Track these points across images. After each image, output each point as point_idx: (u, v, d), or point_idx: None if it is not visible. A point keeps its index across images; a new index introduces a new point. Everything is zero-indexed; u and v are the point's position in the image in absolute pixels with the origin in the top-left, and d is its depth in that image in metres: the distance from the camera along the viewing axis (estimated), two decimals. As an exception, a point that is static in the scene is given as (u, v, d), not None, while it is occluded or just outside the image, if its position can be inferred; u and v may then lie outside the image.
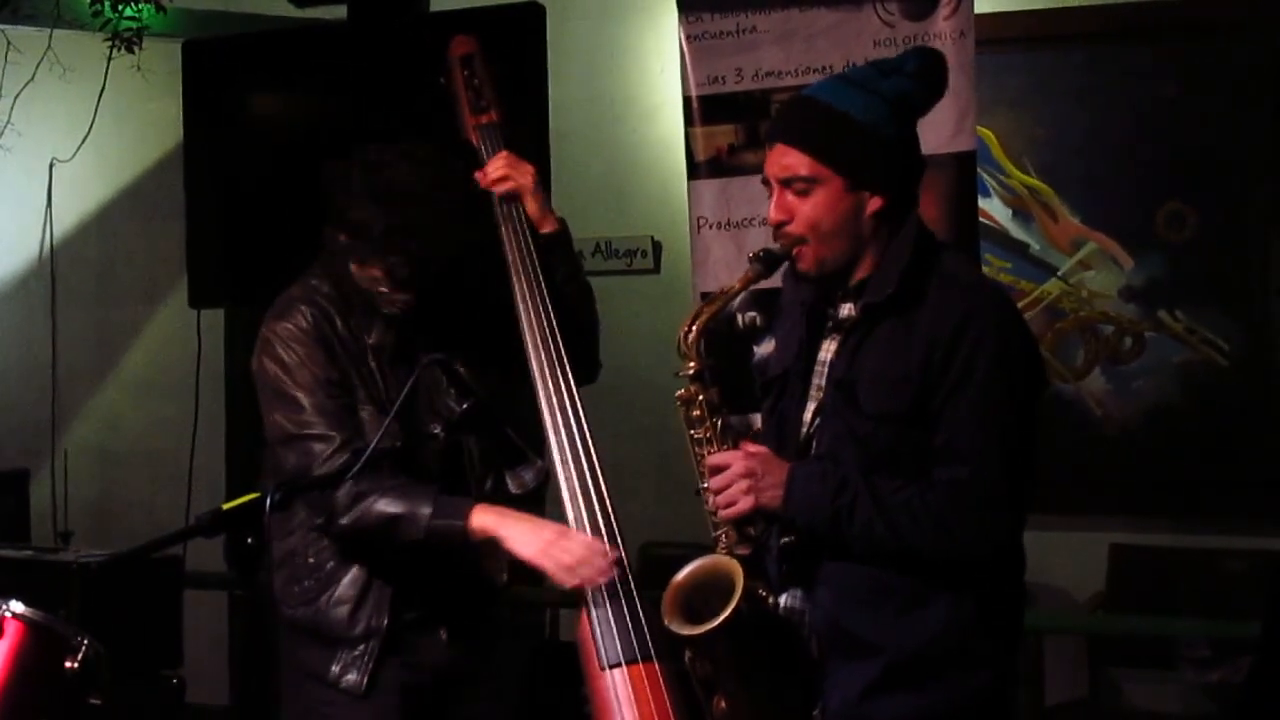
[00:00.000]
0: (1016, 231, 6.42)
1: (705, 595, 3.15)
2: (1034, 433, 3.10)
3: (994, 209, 6.38)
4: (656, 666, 3.53)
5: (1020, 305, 6.32)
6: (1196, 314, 6.23)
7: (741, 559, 3.17)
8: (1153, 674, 6.18)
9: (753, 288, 3.33)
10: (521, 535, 3.60)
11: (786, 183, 3.12)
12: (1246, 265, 6.21)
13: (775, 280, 3.37)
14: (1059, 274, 6.39)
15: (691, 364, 3.26)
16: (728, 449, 3.22)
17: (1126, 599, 6.20)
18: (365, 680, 3.72)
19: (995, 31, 5.88)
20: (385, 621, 3.74)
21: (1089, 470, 6.23)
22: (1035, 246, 6.41)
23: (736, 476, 3.15)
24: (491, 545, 3.64)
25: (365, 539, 3.67)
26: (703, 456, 3.24)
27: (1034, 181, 6.38)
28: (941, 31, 4.94)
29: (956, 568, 3.05)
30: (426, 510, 3.59)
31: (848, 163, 3.08)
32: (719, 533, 3.21)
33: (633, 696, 3.53)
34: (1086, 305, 6.37)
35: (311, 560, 3.77)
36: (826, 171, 3.08)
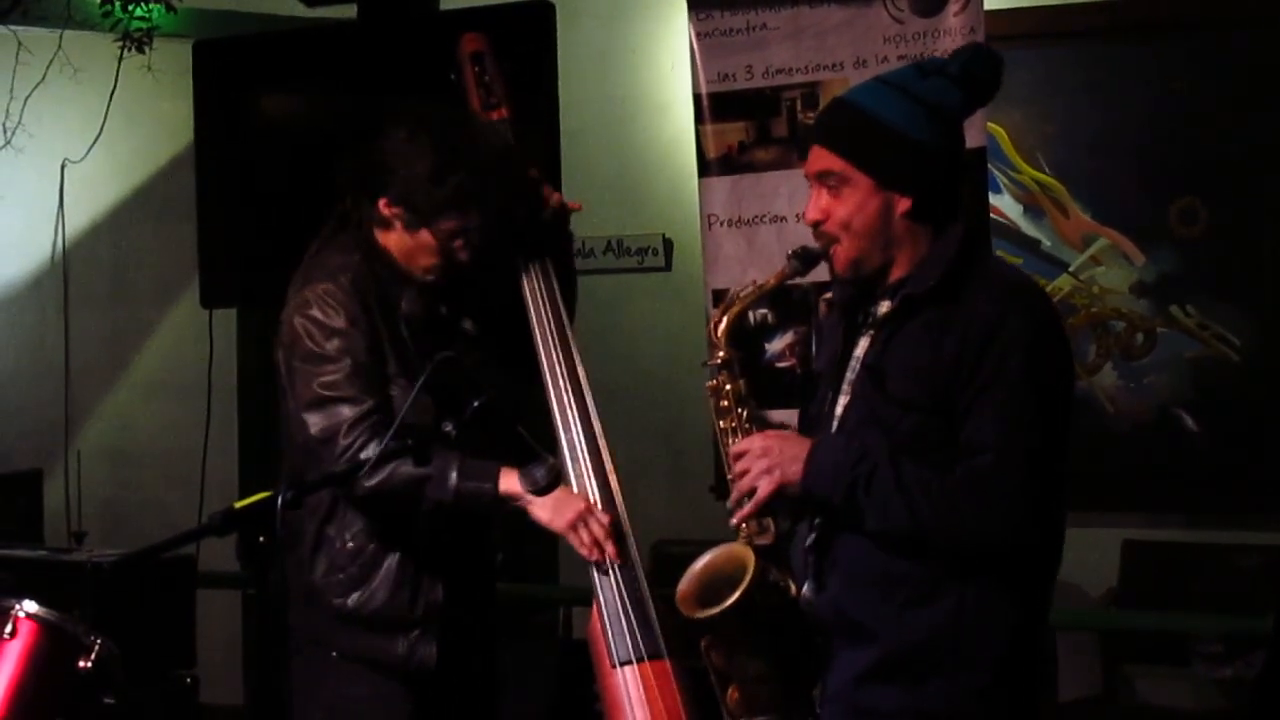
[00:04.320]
0: (1027, 228, 6.42)
1: (720, 583, 3.18)
2: (1063, 438, 3.10)
3: (1005, 205, 6.38)
4: (667, 664, 3.54)
5: (1031, 301, 6.32)
6: (1208, 309, 6.23)
7: (760, 549, 3.19)
8: (1166, 670, 6.18)
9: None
10: (548, 503, 3.61)
11: (821, 181, 3.17)
12: (1258, 260, 6.21)
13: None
14: (1070, 270, 6.39)
15: (721, 353, 3.30)
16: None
17: (1139, 595, 6.20)
18: (435, 651, 3.74)
19: (1005, 27, 5.87)
20: (441, 596, 3.76)
21: (1101, 466, 6.23)
22: (1046, 242, 6.41)
23: (755, 458, 3.17)
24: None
25: (387, 501, 3.66)
26: (729, 447, 3.27)
27: (1045, 177, 6.38)
28: (951, 28, 4.94)
29: (966, 560, 3.05)
30: (454, 472, 3.59)
31: (875, 162, 3.12)
32: (738, 522, 3.23)
33: (643, 694, 3.54)
34: (1098, 301, 6.37)
35: (351, 545, 3.76)
36: (855, 171, 3.13)
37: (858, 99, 3.19)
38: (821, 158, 3.16)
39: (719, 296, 5.12)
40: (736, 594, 3.12)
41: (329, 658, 3.81)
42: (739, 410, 3.29)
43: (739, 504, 3.21)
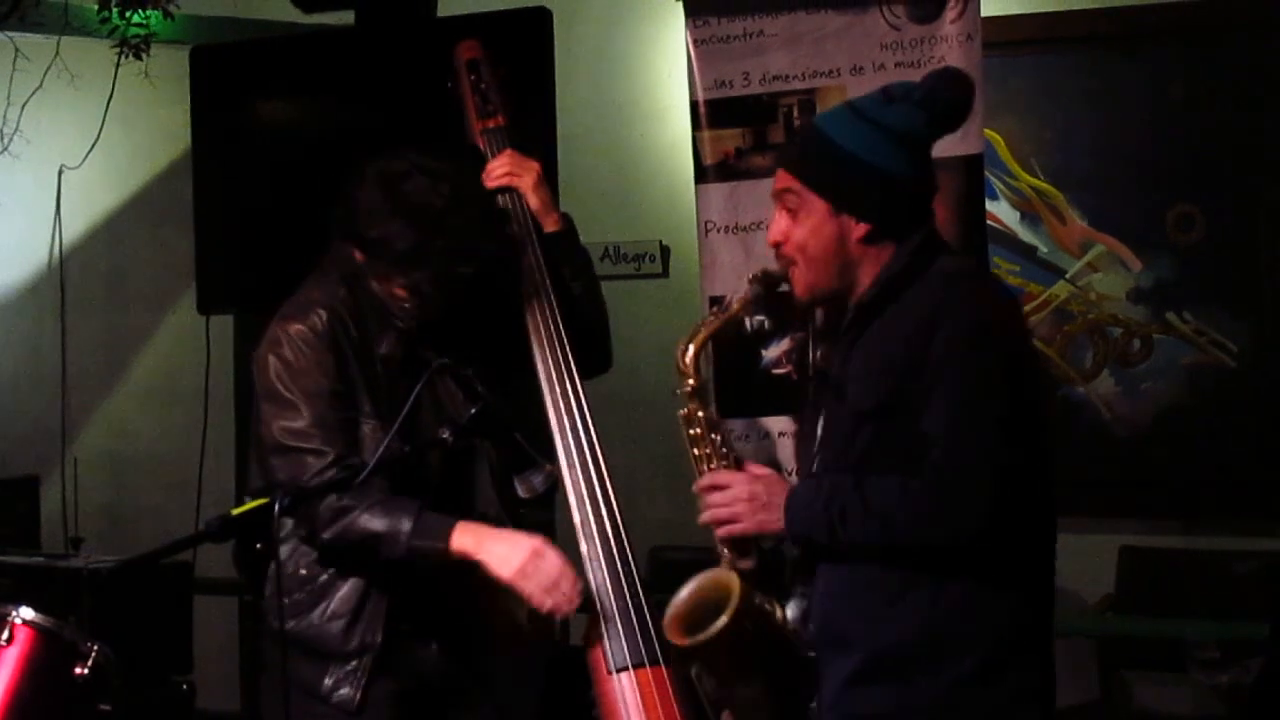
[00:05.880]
0: (1024, 234, 6.42)
1: (707, 609, 3.18)
2: (1025, 420, 3.06)
3: (1002, 212, 6.38)
4: (664, 670, 3.54)
5: (1028, 308, 6.32)
6: (1205, 316, 6.23)
7: (744, 573, 3.20)
8: (1163, 676, 6.17)
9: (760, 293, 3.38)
10: (500, 557, 3.58)
11: (781, 201, 3.22)
12: (1255, 267, 6.21)
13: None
14: (1067, 276, 6.39)
15: (690, 381, 3.33)
16: (727, 465, 3.29)
17: (1136, 601, 6.20)
18: (359, 695, 3.69)
19: (1003, 34, 5.88)
20: (379, 637, 3.71)
21: (1098, 472, 6.23)
22: (1043, 249, 6.41)
23: (739, 499, 3.22)
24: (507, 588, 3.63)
25: (348, 554, 3.65)
26: (704, 474, 3.30)
27: (1042, 184, 6.39)
28: (948, 34, 4.93)
29: (948, 556, 3.05)
30: (407, 528, 3.54)
31: (830, 188, 3.16)
32: (722, 547, 3.24)
33: (640, 700, 3.54)
34: (1095, 307, 6.37)
35: (303, 572, 3.73)
36: (811, 194, 3.18)
37: (821, 124, 3.23)
38: (782, 178, 3.22)
39: (716, 303, 5.11)
40: (724, 619, 3.13)
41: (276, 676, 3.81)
42: (712, 436, 3.34)
43: (719, 523, 3.25)
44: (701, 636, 3.15)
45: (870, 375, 3.11)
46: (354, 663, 3.71)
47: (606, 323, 4.07)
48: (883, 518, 3.04)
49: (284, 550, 3.75)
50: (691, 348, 3.35)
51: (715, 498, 3.25)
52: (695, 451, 3.34)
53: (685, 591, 3.28)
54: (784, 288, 3.33)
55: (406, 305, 3.71)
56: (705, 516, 3.26)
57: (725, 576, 3.22)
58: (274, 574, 3.72)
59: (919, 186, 3.22)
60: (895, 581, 3.09)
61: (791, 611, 3.24)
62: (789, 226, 3.20)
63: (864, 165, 3.13)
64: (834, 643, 3.17)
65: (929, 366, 3.03)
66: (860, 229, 3.15)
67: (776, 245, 3.23)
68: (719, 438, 3.32)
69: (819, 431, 3.27)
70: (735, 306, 3.35)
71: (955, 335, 3.03)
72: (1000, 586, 3.12)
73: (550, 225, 3.94)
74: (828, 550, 3.14)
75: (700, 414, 3.33)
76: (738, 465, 3.33)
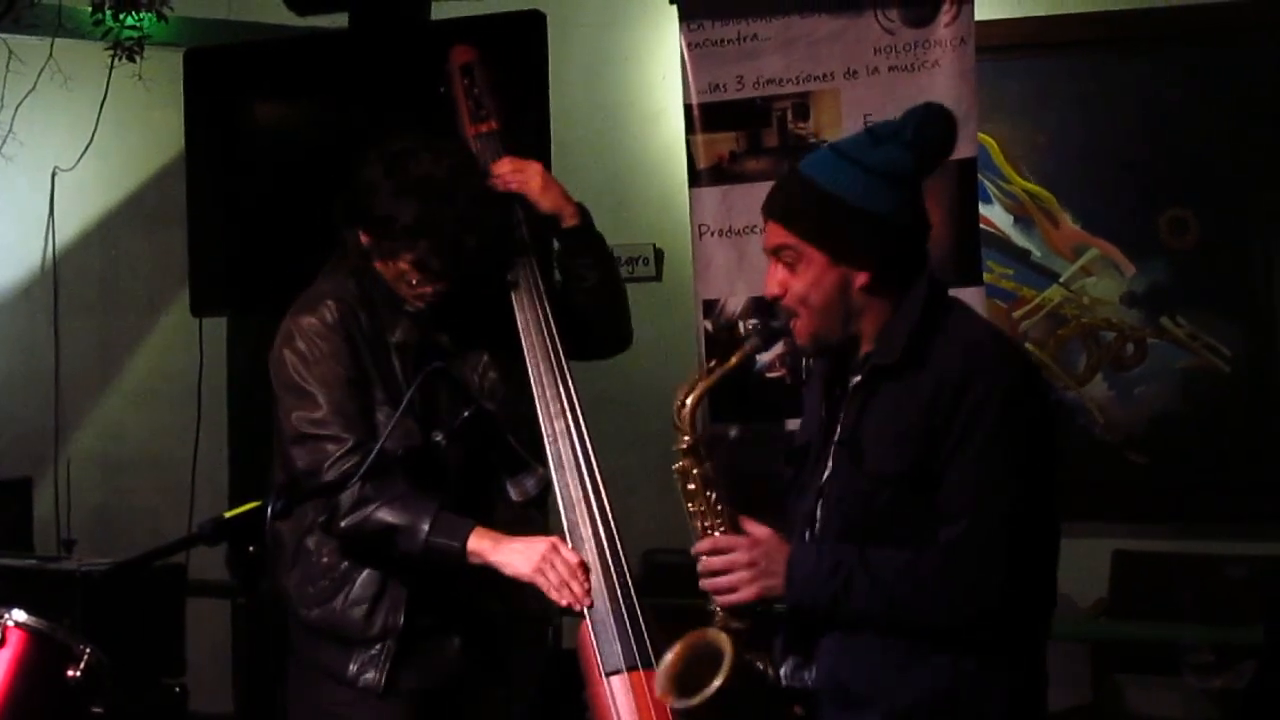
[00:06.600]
0: (1018, 238, 6.42)
1: (698, 669, 3.15)
2: (1043, 495, 3.06)
3: (995, 215, 6.38)
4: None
5: (1022, 312, 6.33)
6: (1198, 320, 6.23)
7: (737, 633, 3.17)
8: (1155, 680, 6.17)
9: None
10: (514, 558, 3.64)
11: (776, 255, 3.16)
12: (1249, 271, 6.22)
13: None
14: (1061, 280, 6.39)
15: (686, 438, 3.29)
16: (723, 523, 3.24)
17: (1129, 605, 6.20)
18: (383, 679, 3.76)
19: (996, 38, 5.88)
20: (401, 621, 3.77)
21: (1091, 476, 6.23)
22: (1037, 253, 6.41)
23: (739, 565, 3.16)
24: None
25: (364, 544, 3.68)
26: (699, 531, 3.26)
27: (1035, 188, 6.39)
28: (942, 38, 4.93)
29: (959, 627, 3.03)
30: (425, 526, 3.61)
31: (828, 238, 3.09)
32: (714, 607, 3.21)
33: (633, 703, 3.54)
34: (1088, 311, 6.37)
35: (325, 560, 3.79)
36: (808, 247, 3.11)
37: (810, 172, 3.15)
38: (776, 233, 3.15)
39: (709, 307, 5.11)
40: (719, 680, 3.09)
41: (304, 664, 3.86)
42: (708, 494, 3.26)
43: (718, 592, 3.19)
44: (697, 699, 3.12)
45: (891, 440, 3.06)
46: (377, 647, 3.78)
47: (626, 304, 4.15)
48: (890, 593, 3.02)
49: (311, 540, 3.81)
50: (689, 403, 3.28)
51: (714, 563, 3.18)
52: (690, 507, 3.28)
53: (675, 650, 3.24)
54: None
55: (414, 285, 3.74)
56: (704, 584, 3.20)
57: (715, 635, 3.18)
58: (297, 562, 3.82)
59: (915, 228, 3.17)
60: (919, 642, 3.05)
61: (786, 668, 3.21)
62: (786, 278, 3.13)
63: (859, 212, 3.06)
64: (844, 700, 3.11)
65: (951, 436, 3.00)
66: (862, 277, 3.09)
67: (775, 298, 3.17)
68: (714, 495, 3.26)
69: (820, 483, 3.21)
70: (734, 360, 3.28)
71: (982, 409, 2.99)
72: (1019, 649, 3.11)
73: (569, 220, 3.97)
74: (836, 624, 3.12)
75: (695, 471, 3.27)
76: (734, 523, 3.25)
